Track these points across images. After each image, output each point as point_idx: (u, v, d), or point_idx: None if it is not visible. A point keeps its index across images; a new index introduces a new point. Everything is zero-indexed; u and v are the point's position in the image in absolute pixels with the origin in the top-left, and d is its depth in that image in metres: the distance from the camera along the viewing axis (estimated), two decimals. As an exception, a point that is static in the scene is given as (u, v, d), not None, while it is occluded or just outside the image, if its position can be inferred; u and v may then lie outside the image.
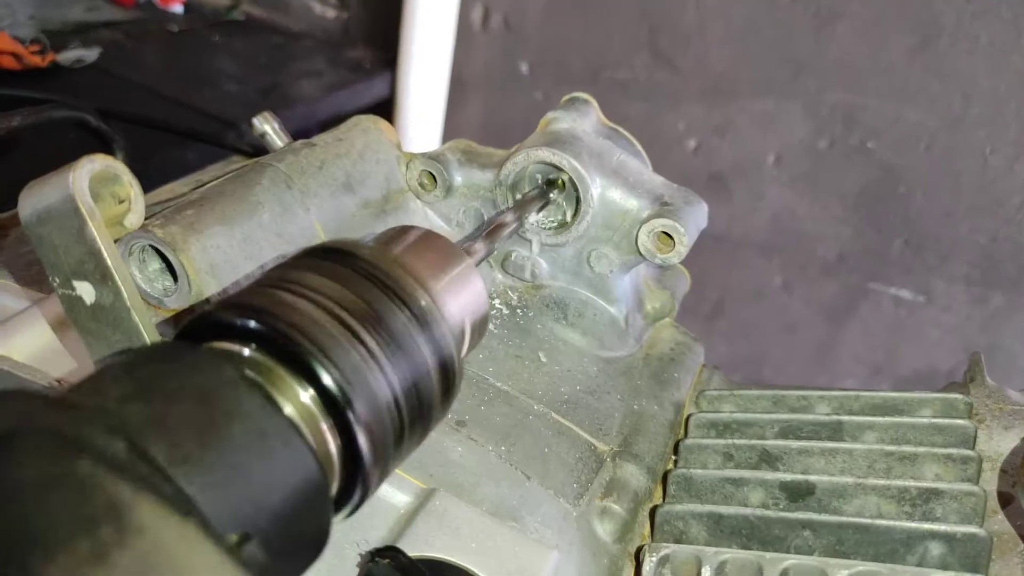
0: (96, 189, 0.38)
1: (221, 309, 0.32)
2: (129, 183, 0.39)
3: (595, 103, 0.65)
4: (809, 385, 0.60)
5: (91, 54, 1.50)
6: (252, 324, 0.31)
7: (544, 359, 0.59)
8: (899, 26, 1.41)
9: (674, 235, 0.57)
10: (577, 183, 0.59)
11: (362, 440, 0.31)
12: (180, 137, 0.87)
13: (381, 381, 0.32)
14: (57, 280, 0.39)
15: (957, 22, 1.39)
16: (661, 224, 0.57)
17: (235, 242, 0.50)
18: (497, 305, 0.63)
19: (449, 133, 1.82)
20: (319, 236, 0.56)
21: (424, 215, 0.65)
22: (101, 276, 0.38)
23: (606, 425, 0.56)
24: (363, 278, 0.34)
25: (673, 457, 0.56)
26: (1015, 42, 1.39)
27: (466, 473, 0.48)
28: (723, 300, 1.76)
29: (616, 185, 0.59)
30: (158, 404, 0.24)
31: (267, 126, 0.66)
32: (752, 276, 1.71)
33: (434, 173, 0.63)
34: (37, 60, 1.40)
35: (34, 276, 0.54)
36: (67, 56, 1.48)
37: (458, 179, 0.63)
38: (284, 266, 0.35)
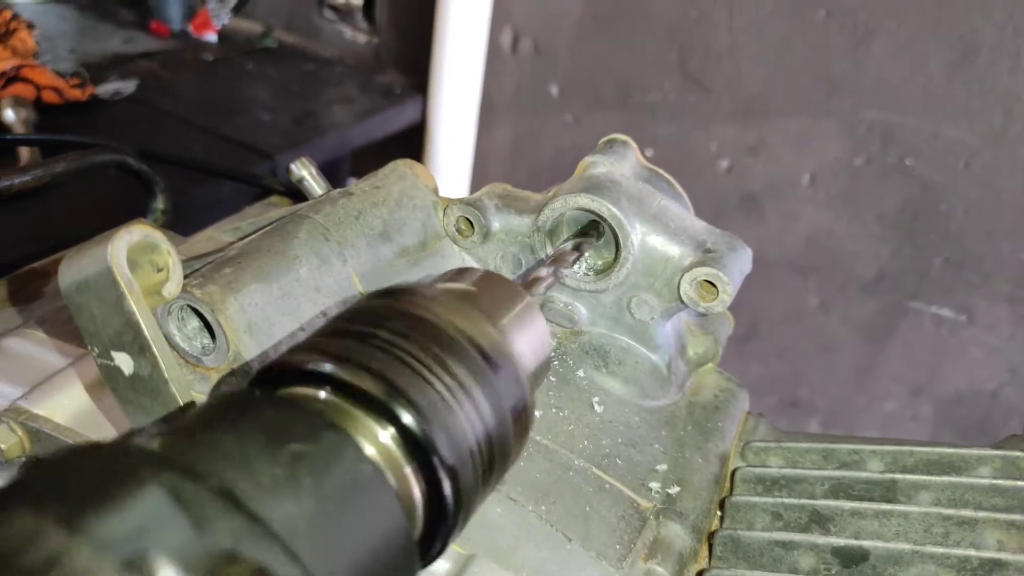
0: (134, 258, 0.38)
1: (294, 354, 0.32)
2: (167, 251, 0.39)
3: (634, 145, 0.64)
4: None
5: (128, 86, 1.52)
6: (327, 367, 0.30)
7: (585, 409, 0.58)
8: (937, 43, 1.38)
9: (718, 284, 0.56)
10: (617, 230, 0.58)
11: (446, 484, 0.30)
12: (216, 177, 0.87)
13: (461, 421, 0.31)
14: (96, 350, 0.39)
15: (998, 38, 1.35)
16: (704, 273, 0.56)
17: (273, 299, 0.50)
18: (535, 352, 0.62)
19: (480, 157, 1.82)
20: (356, 287, 0.55)
21: (461, 260, 0.64)
22: (139, 348, 0.37)
23: (648, 480, 0.55)
24: (431, 319, 0.33)
25: (719, 514, 0.55)
26: (1059, 59, 1.35)
27: (505, 536, 0.47)
28: (757, 321, 1.73)
29: (657, 231, 0.58)
30: (256, 462, 0.24)
31: (304, 172, 0.66)
32: (787, 297, 1.68)
33: (471, 219, 0.62)
34: (77, 94, 1.43)
35: (73, 331, 0.54)
36: (106, 89, 1.50)
37: (495, 225, 0.62)
38: (351, 311, 0.35)
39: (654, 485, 0.54)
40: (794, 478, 0.54)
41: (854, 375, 1.72)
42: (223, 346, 0.47)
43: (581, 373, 0.61)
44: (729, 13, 1.49)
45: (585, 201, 0.58)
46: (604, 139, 0.65)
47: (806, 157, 1.54)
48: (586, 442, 0.56)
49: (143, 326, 0.37)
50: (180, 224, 0.82)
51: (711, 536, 0.52)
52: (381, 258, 0.58)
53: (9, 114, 1.30)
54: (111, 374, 0.39)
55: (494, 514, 0.48)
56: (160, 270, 0.39)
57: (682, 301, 0.58)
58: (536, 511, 0.49)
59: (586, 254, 0.62)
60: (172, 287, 0.40)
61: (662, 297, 0.59)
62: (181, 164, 0.87)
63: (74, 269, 0.38)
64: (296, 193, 0.85)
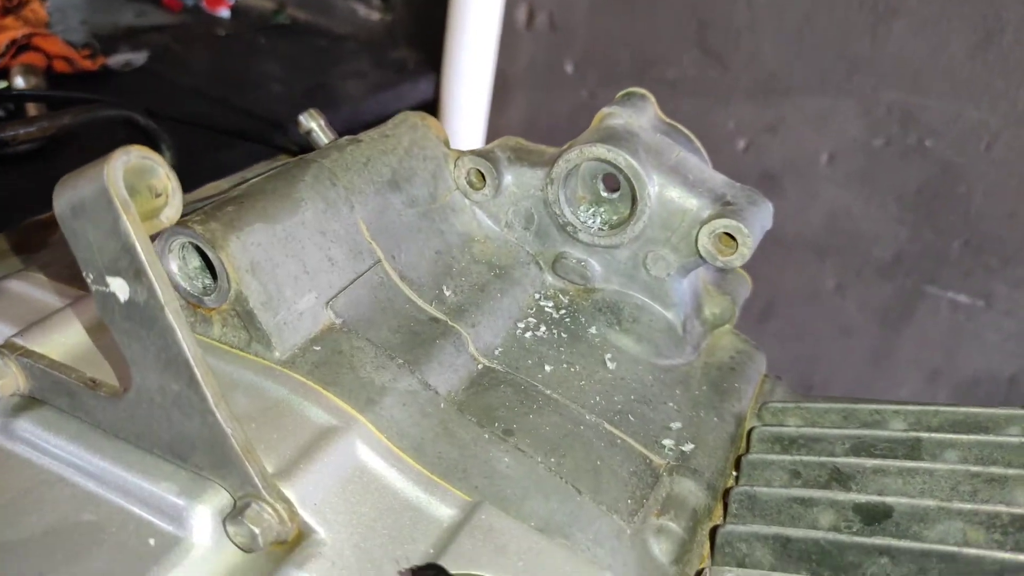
0: (132, 182, 0.36)
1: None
2: (166, 176, 0.38)
3: (652, 98, 0.62)
4: (879, 397, 0.56)
5: (140, 57, 1.51)
6: None
7: (597, 366, 0.56)
8: (960, 22, 1.35)
9: (737, 236, 0.54)
10: (633, 181, 0.56)
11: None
12: (226, 136, 0.86)
13: None
14: (91, 276, 0.37)
15: (1022, 17, 1.32)
16: (723, 225, 0.54)
17: (276, 239, 0.48)
18: (547, 308, 0.60)
19: (493, 134, 1.80)
20: (363, 234, 0.54)
21: (472, 214, 0.62)
22: (135, 273, 0.36)
23: (662, 437, 0.53)
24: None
25: (734, 473, 0.53)
26: (1087, 37, 1.32)
27: (513, 485, 0.45)
28: (774, 301, 1.71)
29: (675, 183, 0.56)
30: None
31: (313, 123, 0.65)
32: (805, 277, 1.65)
33: (483, 171, 0.60)
34: (88, 64, 1.42)
35: (75, 275, 0.52)
36: (116, 60, 1.49)
37: (508, 178, 0.61)
38: None
39: (667, 442, 0.53)
40: (813, 437, 0.52)
41: (870, 358, 1.69)
42: (224, 285, 0.46)
43: (593, 330, 0.59)
44: (749, -12, 1.46)
45: (601, 151, 0.56)
46: (622, 92, 0.63)
47: (825, 136, 1.51)
48: (598, 398, 0.54)
49: (139, 250, 0.35)
50: (188, 188, 0.81)
51: (726, 494, 0.50)
52: (389, 207, 0.56)
53: (20, 82, 1.29)
54: (106, 302, 0.37)
55: (501, 464, 0.46)
56: (159, 195, 0.38)
57: (700, 256, 0.56)
58: (545, 463, 0.47)
59: (603, 204, 0.60)
60: (171, 212, 0.38)
61: (679, 252, 0.57)
62: (189, 123, 0.86)
63: (69, 192, 0.36)
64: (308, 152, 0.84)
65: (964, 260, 1.53)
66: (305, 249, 0.50)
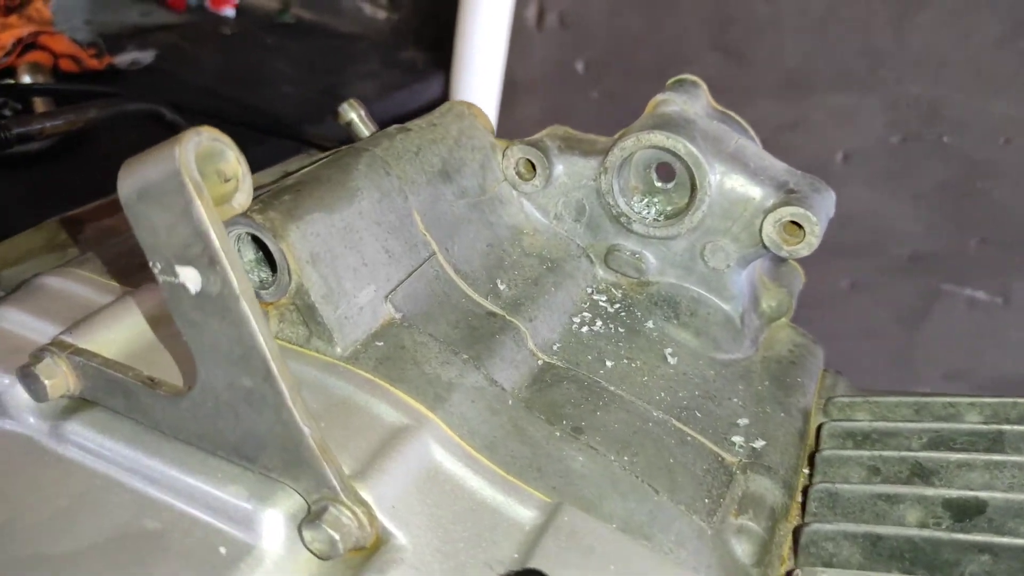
0: (201, 166, 0.34)
1: None
2: (236, 160, 0.35)
3: (704, 85, 0.60)
4: (949, 392, 0.54)
5: (146, 56, 1.49)
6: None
7: (658, 361, 0.54)
8: (987, 14, 1.34)
9: (804, 224, 0.52)
10: (693, 169, 0.54)
11: None
12: (256, 132, 0.84)
13: None
14: (159, 266, 0.35)
15: (1052, 6, 1.31)
16: (790, 213, 0.52)
17: (335, 230, 0.46)
18: (601, 303, 0.58)
19: (503, 135, 1.78)
20: (418, 225, 0.52)
21: (520, 206, 0.60)
22: (209, 261, 0.34)
23: (730, 434, 0.51)
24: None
25: (806, 471, 0.51)
26: (1110, 30, 1.31)
27: (590, 485, 0.43)
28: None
29: (736, 171, 0.54)
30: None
31: (353, 114, 0.63)
32: (823, 276, 1.64)
33: (533, 161, 0.59)
34: (94, 63, 1.39)
35: (121, 269, 0.50)
36: (123, 59, 1.46)
37: (559, 167, 0.59)
38: None
39: (737, 439, 0.51)
40: (887, 432, 0.51)
41: (887, 358, 1.68)
42: (284, 278, 0.44)
43: (651, 324, 0.57)
44: (768, -16, 1.45)
45: (660, 138, 0.54)
46: (673, 79, 0.61)
47: (846, 133, 1.50)
48: (662, 394, 0.52)
49: (213, 236, 0.33)
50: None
51: (804, 491, 0.48)
52: (441, 198, 0.54)
53: (27, 80, 1.26)
54: (175, 293, 0.35)
55: (576, 463, 0.44)
56: (228, 180, 0.36)
57: (764, 246, 0.54)
58: (619, 461, 0.45)
59: (653, 200, 0.58)
60: (242, 197, 0.36)
61: (740, 242, 0.55)
62: (219, 117, 0.83)
63: (137, 175, 0.34)
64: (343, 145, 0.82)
65: (982, 257, 1.52)
66: (363, 240, 0.47)
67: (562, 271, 0.58)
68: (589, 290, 0.59)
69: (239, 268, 0.34)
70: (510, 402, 0.47)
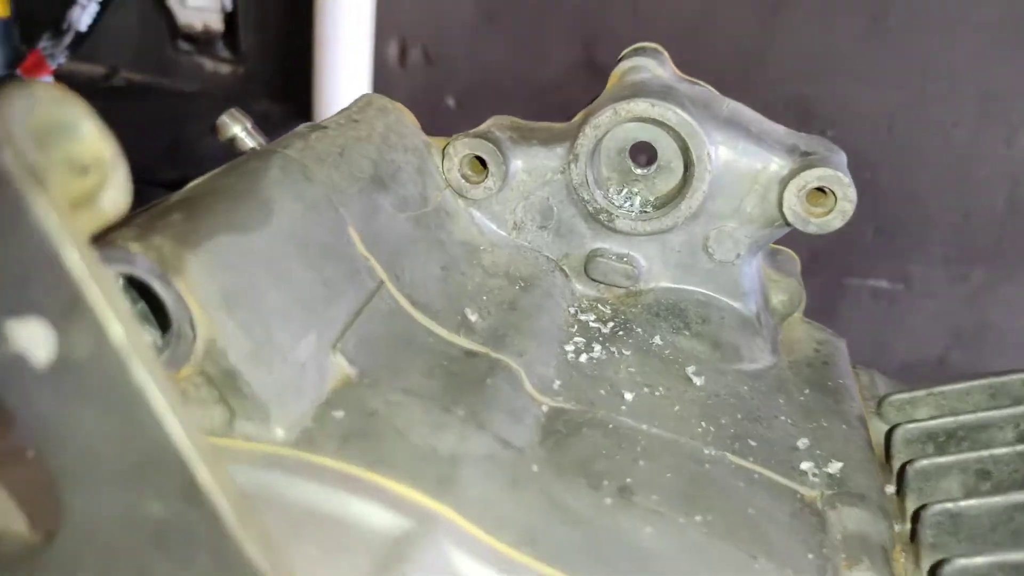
0: (42, 146, 0.20)
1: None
2: (98, 136, 0.21)
3: (666, 53, 0.51)
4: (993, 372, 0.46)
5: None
6: None
7: (681, 384, 0.43)
8: (848, 7, 1.35)
9: (836, 188, 0.42)
10: (688, 140, 0.44)
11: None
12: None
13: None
14: (-27, 330, 0.20)
15: (906, -2, 1.34)
16: (817, 176, 0.42)
17: (252, 257, 0.32)
18: (592, 323, 0.46)
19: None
20: (356, 247, 0.38)
21: (469, 217, 0.48)
22: (67, 304, 0.19)
23: (796, 461, 0.40)
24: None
25: (890, 488, 0.41)
26: (966, 13, 1.35)
27: (671, 565, 0.31)
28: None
29: (738, 138, 0.44)
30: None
31: (237, 127, 0.48)
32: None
33: (484, 158, 0.46)
34: None
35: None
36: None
37: (516, 162, 0.47)
38: None
39: (806, 466, 0.40)
40: (972, 425, 0.41)
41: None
42: (184, 335, 0.29)
43: (658, 340, 0.46)
44: (632, -3, 1.41)
45: (643, 107, 0.43)
46: (629, 48, 0.51)
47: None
48: (703, 423, 0.40)
49: (72, 259, 0.19)
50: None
51: (915, 517, 0.37)
52: (378, 210, 0.41)
53: None
54: (6, 369, 0.20)
55: (643, 537, 0.31)
56: (86, 170, 0.21)
57: (782, 223, 0.44)
58: (691, 524, 0.33)
59: (633, 189, 0.48)
60: (116, 196, 0.21)
61: (753, 223, 0.45)
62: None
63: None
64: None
65: (879, 246, 1.52)
66: (291, 270, 0.33)
67: (538, 290, 0.46)
68: (572, 310, 0.47)
69: (124, 310, 0.20)
70: (535, 468, 0.33)
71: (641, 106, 0.43)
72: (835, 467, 0.40)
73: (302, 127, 0.41)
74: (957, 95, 1.39)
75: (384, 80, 1.61)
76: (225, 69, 1.72)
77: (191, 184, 0.35)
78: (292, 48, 1.57)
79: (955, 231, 1.50)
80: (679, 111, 0.43)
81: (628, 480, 0.35)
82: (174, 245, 0.29)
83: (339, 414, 0.31)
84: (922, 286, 1.54)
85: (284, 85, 1.64)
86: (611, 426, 0.38)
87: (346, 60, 1.55)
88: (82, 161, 0.22)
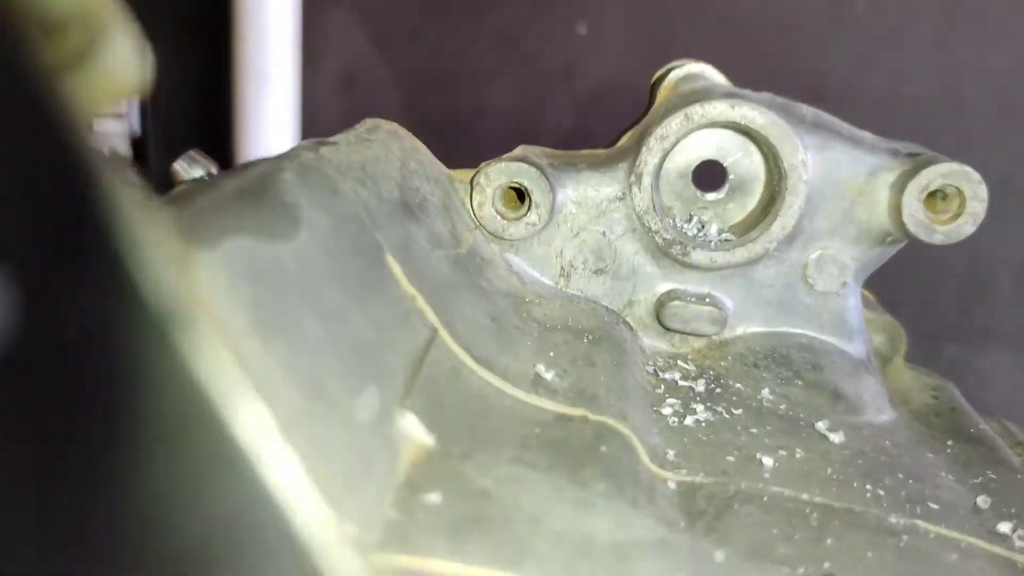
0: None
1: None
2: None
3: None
4: None
5: None
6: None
7: (819, 443, 0.33)
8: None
9: (964, 186, 0.35)
10: (778, 146, 0.36)
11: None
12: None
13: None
14: None
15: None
16: (941, 174, 0.35)
17: (283, 271, 0.21)
18: (680, 383, 0.36)
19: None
20: (400, 281, 0.28)
21: (506, 264, 0.38)
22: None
23: (990, 523, 0.30)
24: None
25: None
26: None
27: None
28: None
29: (832, 141, 0.37)
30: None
31: (198, 171, 0.38)
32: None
33: (526, 186, 0.37)
34: None
35: None
36: None
37: (565, 190, 0.38)
38: None
39: (1003, 528, 0.30)
40: None
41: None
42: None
43: (768, 395, 0.36)
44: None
45: (722, 108, 0.36)
46: (667, 65, 0.44)
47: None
48: (868, 486, 0.31)
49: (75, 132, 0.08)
50: None
51: None
52: (413, 241, 0.31)
53: None
54: None
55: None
56: (61, 28, 0.11)
57: (898, 236, 0.37)
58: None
59: (702, 217, 0.39)
60: (120, 54, 0.11)
61: (860, 241, 0.37)
62: None
63: None
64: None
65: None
66: (330, 297, 0.23)
67: (611, 343, 0.36)
68: (650, 368, 0.37)
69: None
70: (719, 556, 0.22)
71: (719, 108, 0.36)
72: (1044, 527, 0.30)
73: (305, 142, 0.32)
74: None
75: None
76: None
77: (168, 194, 0.24)
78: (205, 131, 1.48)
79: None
80: (767, 111, 0.36)
81: (826, 565, 0.24)
82: (175, 240, 0.18)
83: (434, 498, 0.20)
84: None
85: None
86: (765, 499, 0.28)
87: (271, 127, 1.46)
88: (54, 9, 0.11)
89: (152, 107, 1.37)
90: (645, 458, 0.29)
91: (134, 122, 1.37)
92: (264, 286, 0.20)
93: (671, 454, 0.30)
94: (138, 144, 1.59)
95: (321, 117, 1.26)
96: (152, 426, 0.10)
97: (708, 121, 0.36)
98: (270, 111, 1.26)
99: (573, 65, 1.13)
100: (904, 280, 1.45)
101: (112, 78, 0.12)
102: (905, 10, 0.98)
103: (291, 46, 1.22)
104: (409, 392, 0.24)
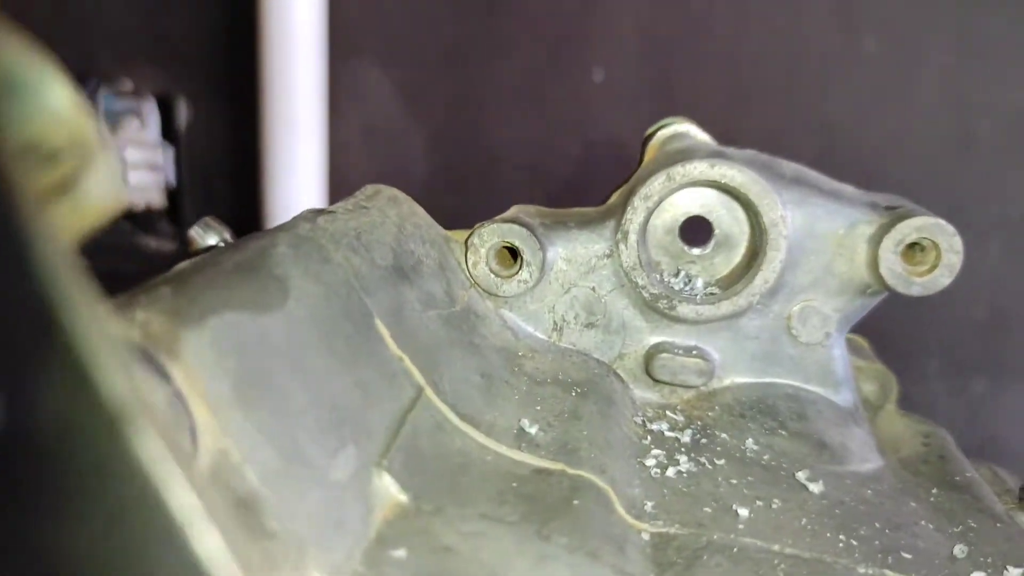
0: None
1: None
2: (70, 103, 0.14)
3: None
4: None
5: None
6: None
7: (798, 493, 0.34)
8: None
9: (939, 239, 0.36)
10: (757, 203, 0.38)
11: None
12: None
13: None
14: None
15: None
16: (916, 227, 0.36)
17: (268, 344, 0.23)
18: (667, 433, 0.38)
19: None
20: (388, 344, 0.30)
21: (500, 320, 0.40)
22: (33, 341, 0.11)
23: (962, 572, 0.31)
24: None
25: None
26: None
27: None
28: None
29: (811, 196, 0.38)
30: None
31: (214, 237, 0.40)
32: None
33: (518, 245, 0.39)
34: None
35: None
36: None
37: (555, 249, 0.40)
38: None
39: (979, 579, 0.31)
40: None
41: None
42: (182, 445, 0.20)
43: (752, 445, 0.37)
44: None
45: (702, 168, 0.38)
46: (659, 123, 0.46)
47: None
48: (842, 536, 0.32)
49: (38, 268, 0.11)
50: None
51: None
52: (405, 304, 0.33)
53: None
54: None
55: None
56: (54, 158, 0.14)
57: (877, 289, 0.38)
58: (898, 669, 0.23)
59: (690, 271, 0.41)
60: (104, 180, 0.14)
61: (841, 293, 0.38)
62: None
63: None
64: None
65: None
66: (316, 364, 0.25)
67: (599, 396, 0.37)
68: (639, 419, 0.39)
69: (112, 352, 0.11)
70: (677, 609, 0.24)
71: (699, 168, 0.37)
72: (1015, 573, 0.31)
73: (304, 211, 0.34)
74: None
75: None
76: (169, 247, 1.66)
77: (175, 268, 0.27)
78: (242, 223, 1.52)
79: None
80: (745, 169, 0.37)
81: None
82: (165, 320, 0.20)
83: (400, 553, 0.22)
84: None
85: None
86: (735, 549, 0.29)
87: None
88: (51, 143, 0.14)
89: (187, 158, 1.42)
90: (620, 510, 0.30)
91: (169, 173, 1.43)
92: (248, 357, 0.22)
93: (649, 505, 0.32)
94: (173, 195, 1.64)
95: (348, 163, 1.30)
96: (103, 503, 0.12)
97: (690, 180, 0.38)
98: (299, 159, 1.30)
99: (585, 112, 1.15)
100: (930, 313, 1.43)
101: (95, 202, 0.15)
102: (915, 48, 0.99)
103: (318, 96, 1.26)
104: (388, 450, 0.26)
